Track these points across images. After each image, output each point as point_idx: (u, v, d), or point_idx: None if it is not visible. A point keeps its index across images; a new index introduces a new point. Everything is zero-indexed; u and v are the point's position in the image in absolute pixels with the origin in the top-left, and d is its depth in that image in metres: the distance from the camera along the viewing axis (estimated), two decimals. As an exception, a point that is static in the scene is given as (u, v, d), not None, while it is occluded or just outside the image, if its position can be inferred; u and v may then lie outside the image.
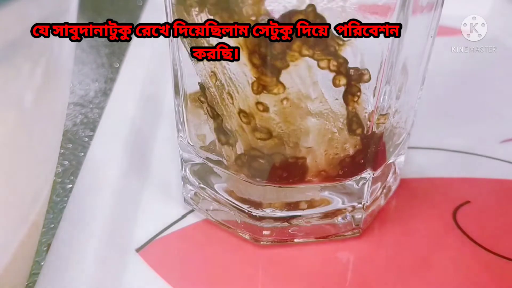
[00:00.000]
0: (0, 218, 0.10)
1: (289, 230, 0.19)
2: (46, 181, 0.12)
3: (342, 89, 0.16)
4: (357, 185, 0.18)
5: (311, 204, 0.18)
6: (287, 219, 0.19)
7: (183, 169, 0.20)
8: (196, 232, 0.20)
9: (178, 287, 0.17)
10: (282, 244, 0.19)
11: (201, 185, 0.20)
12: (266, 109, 0.16)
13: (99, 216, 0.18)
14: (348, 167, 0.18)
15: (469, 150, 0.24)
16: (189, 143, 0.19)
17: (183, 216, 0.20)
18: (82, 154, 0.24)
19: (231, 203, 0.19)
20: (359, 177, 0.18)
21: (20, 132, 0.10)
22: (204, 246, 0.19)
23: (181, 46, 0.17)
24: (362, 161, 0.18)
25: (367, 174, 0.18)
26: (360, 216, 0.19)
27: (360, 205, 0.19)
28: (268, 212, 0.18)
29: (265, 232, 0.19)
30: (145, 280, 0.18)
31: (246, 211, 0.19)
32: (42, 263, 0.17)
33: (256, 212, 0.18)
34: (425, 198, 0.21)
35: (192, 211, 0.20)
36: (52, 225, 0.20)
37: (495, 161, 0.24)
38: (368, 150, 0.17)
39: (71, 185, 0.22)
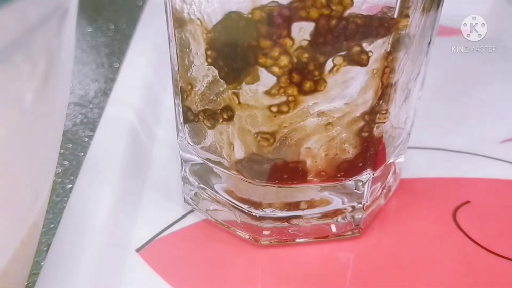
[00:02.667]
0: (0, 218, 0.10)
1: (289, 230, 0.19)
2: (46, 181, 0.12)
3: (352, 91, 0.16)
4: (357, 185, 0.18)
5: (311, 204, 0.18)
6: (287, 219, 0.19)
7: (183, 169, 0.20)
8: (196, 232, 0.20)
9: (178, 287, 0.17)
10: (282, 244, 0.19)
11: (201, 185, 0.20)
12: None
13: (99, 216, 0.18)
14: (348, 167, 0.18)
15: (469, 150, 0.24)
16: (189, 143, 0.19)
17: (183, 216, 0.20)
18: (82, 154, 0.24)
19: (231, 203, 0.19)
20: (359, 177, 0.18)
21: (20, 132, 0.10)
22: (204, 246, 0.19)
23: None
24: (361, 164, 0.18)
25: (367, 174, 0.18)
26: (360, 216, 0.19)
27: (360, 205, 0.19)
28: (268, 212, 0.18)
29: (265, 232, 0.19)
30: (145, 280, 0.18)
31: (246, 211, 0.19)
32: (42, 263, 0.17)
33: (256, 212, 0.18)
34: (425, 198, 0.21)
35: (192, 211, 0.20)
36: (52, 225, 0.20)
37: (495, 161, 0.24)
38: (368, 151, 0.17)
39: (71, 185, 0.22)
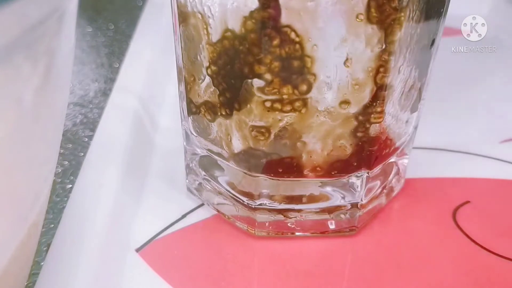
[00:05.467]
0: (0, 218, 0.10)
1: (287, 224, 0.19)
2: (46, 181, 0.12)
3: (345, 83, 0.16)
4: (352, 183, 0.18)
5: (310, 199, 0.18)
6: (285, 212, 0.19)
7: (186, 158, 0.20)
8: (196, 232, 0.20)
9: (178, 287, 0.17)
10: (279, 237, 0.19)
11: (205, 177, 0.20)
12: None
13: (99, 216, 0.18)
14: (343, 166, 0.18)
15: (469, 150, 0.24)
16: (192, 133, 0.19)
17: (183, 216, 0.20)
18: (82, 154, 0.24)
19: (231, 195, 0.19)
20: (354, 175, 0.18)
21: (20, 132, 0.10)
22: (204, 246, 0.19)
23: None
24: (356, 163, 0.18)
25: (362, 173, 0.18)
26: (356, 214, 0.19)
27: (356, 203, 0.19)
28: (267, 204, 0.18)
29: (260, 224, 0.19)
30: (145, 280, 0.18)
31: (245, 203, 0.19)
32: (42, 263, 0.17)
33: (254, 205, 0.18)
34: (425, 198, 0.21)
35: (191, 211, 0.20)
36: (52, 225, 0.20)
37: (495, 161, 0.23)
38: (363, 151, 0.17)
39: (71, 185, 0.22)
